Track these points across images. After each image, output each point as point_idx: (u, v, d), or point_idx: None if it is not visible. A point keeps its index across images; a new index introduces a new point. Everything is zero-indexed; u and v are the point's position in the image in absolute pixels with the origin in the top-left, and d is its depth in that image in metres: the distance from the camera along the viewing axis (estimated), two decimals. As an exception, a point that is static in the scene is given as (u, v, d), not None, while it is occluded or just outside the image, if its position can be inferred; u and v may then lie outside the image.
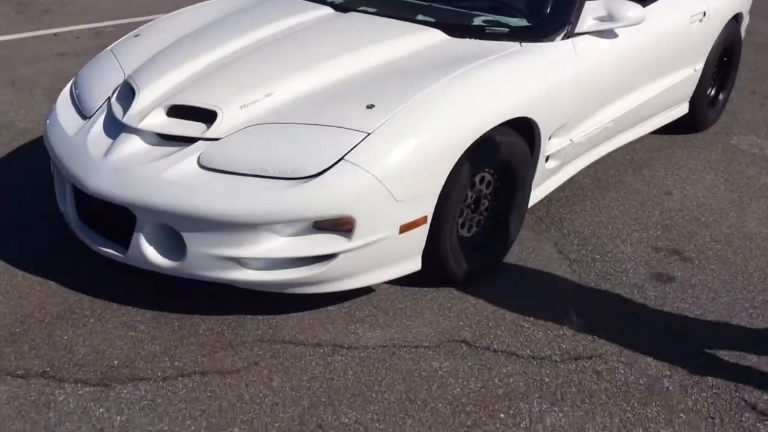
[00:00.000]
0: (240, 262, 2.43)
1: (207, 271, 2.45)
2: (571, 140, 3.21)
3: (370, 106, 2.50)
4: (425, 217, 2.54)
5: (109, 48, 3.26)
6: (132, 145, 2.54)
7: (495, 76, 2.73)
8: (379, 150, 2.39)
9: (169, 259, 2.48)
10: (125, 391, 2.24)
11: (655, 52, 3.63)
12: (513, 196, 2.93)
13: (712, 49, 4.19)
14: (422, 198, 2.50)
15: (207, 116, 2.55)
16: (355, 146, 2.38)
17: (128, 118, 2.59)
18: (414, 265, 2.64)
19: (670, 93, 3.95)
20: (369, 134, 2.41)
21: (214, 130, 2.50)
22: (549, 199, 3.55)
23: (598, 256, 3.09)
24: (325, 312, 2.66)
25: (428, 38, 2.97)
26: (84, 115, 2.81)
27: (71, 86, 3.09)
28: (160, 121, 2.58)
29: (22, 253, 2.94)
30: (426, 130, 2.48)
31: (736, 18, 4.46)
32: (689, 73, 4.07)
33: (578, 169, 3.46)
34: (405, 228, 2.50)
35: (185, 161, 2.44)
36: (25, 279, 2.79)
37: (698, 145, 4.34)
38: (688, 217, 3.47)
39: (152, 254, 2.48)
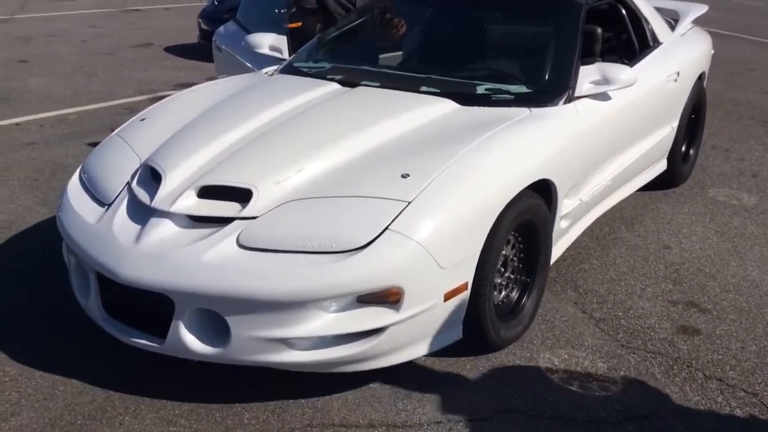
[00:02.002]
0: (287, 343, 2.35)
1: (252, 356, 2.37)
2: (580, 200, 3.29)
3: (405, 176, 2.52)
4: (467, 283, 2.54)
5: (115, 133, 3.20)
6: (164, 230, 2.47)
7: (516, 140, 2.80)
8: (421, 218, 2.39)
9: (212, 345, 2.38)
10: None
11: (642, 111, 3.79)
12: (537, 256, 2.96)
13: (684, 106, 4.41)
14: (463, 264, 2.50)
15: (241, 195, 2.51)
16: (397, 216, 2.38)
17: (158, 203, 2.53)
18: (456, 334, 2.61)
19: (653, 150, 4.11)
20: (409, 203, 2.41)
21: (251, 209, 2.46)
22: (556, 259, 3.60)
23: (620, 314, 3.13)
24: (369, 390, 2.59)
25: (441, 108, 3.03)
26: (102, 202, 2.73)
27: (80, 173, 3.00)
28: (192, 203, 2.52)
29: (36, 351, 2.78)
30: (463, 196, 2.50)
31: (701, 77, 4.72)
32: (668, 131, 4.25)
33: (583, 228, 3.53)
34: (449, 295, 2.48)
35: (224, 242, 2.39)
36: (44, 379, 2.63)
37: (679, 200, 4.50)
38: (692, 269, 3.56)
39: (193, 342, 2.39)
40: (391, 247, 2.32)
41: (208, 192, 2.55)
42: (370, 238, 2.32)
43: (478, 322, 2.64)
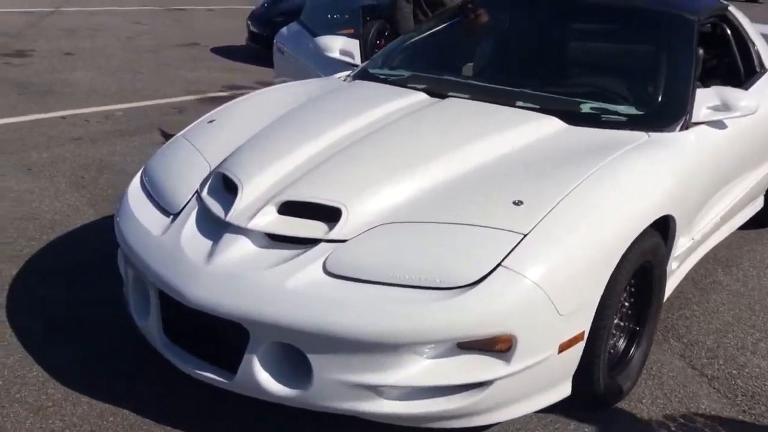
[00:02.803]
0: (377, 391, 2.02)
1: (335, 402, 2.04)
2: (692, 238, 2.93)
3: (518, 203, 2.18)
4: (583, 333, 2.19)
5: (180, 135, 2.90)
6: (240, 248, 2.15)
7: (641, 169, 2.46)
8: (539, 255, 2.05)
9: (289, 386, 2.06)
10: None
11: (752, 143, 3.43)
12: (648, 302, 2.60)
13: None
14: (582, 310, 2.15)
15: (327, 214, 2.19)
16: (512, 250, 2.04)
17: (234, 217, 2.21)
18: (565, 390, 2.26)
19: (756, 186, 3.73)
20: (525, 235, 2.07)
21: (339, 231, 2.14)
22: (653, 302, 3.23)
23: (735, 372, 2.75)
24: (459, 446, 2.24)
25: (547, 126, 2.69)
26: (167, 211, 2.42)
27: (141, 177, 2.70)
28: (272, 220, 2.20)
29: (84, 372, 2.48)
30: (585, 231, 2.16)
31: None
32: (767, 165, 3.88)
33: (687, 270, 3.16)
34: (565, 346, 2.13)
35: (309, 267, 2.06)
36: (92, 407, 2.32)
37: (774, 241, 4.11)
38: (805, 321, 3.18)
39: (267, 381, 2.06)
40: (505, 286, 1.98)
41: (289, 208, 2.23)
42: (481, 275, 1.99)
43: (590, 376, 2.29)
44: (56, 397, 2.36)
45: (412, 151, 2.44)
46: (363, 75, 3.41)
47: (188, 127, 2.96)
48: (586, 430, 2.36)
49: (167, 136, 5.38)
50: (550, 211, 2.15)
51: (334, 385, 2.01)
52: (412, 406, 2.04)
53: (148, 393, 2.39)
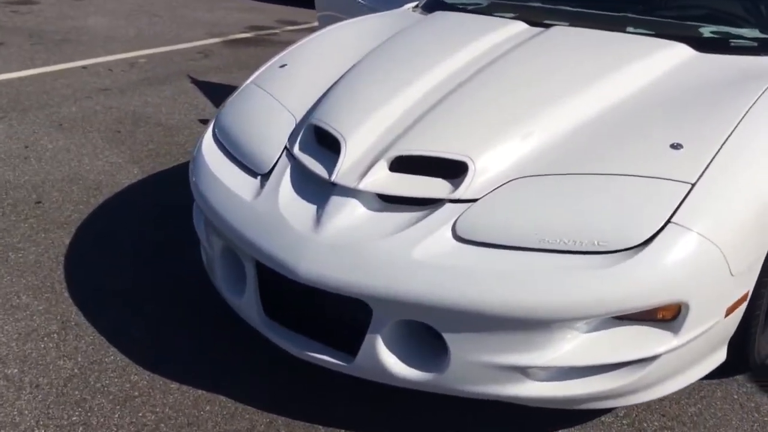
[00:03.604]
0: (524, 372, 1.75)
1: (475, 386, 1.78)
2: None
3: (676, 146, 1.86)
4: (747, 293, 1.90)
5: (251, 81, 2.56)
6: (352, 213, 1.86)
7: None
8: (711, 207, 1.75)
9: (419, 369, 1.79)
10: None
11: None
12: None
13: None
14: (751, 269, 1.86)
15: (450, 170, 1.88)
16: (681, 203, 1.73)
17: (341, 177, 1.90)
18: (721, 356, 1.99)
19: None
20: (693, 185, 1.77)
21: (467, 188, 1.83)
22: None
23: None
24: (600, 424, 1.99)
25: (677, 54, 2.34)
26: (254, 171, 2.12)
27: (213, 131, 2.39)
28: (386, 179, 1.89)
29: (168, 355, 2.22)
30: (755, 177, 1.85)
31: None
32: None
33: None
34: (730, 310, 1.85)
35: (437, 233, 1.77)
36: (184, 395, 2.06)
37: None
38: None
39: (394, 364, 1.79)
40: (678, 246, 1.68)
41: (402, 165, 1.92)
42: (649, 235, 1.69)
43: (746, 339, 2.02)
44: (141, 384, 2.11)
45: (535, 91, 2.11)
46: (435, 5, 3.04)
47: (257, 73, 2.62)
48: (734, 394, 2.10)
49: (198, 84, 5.03)
50: (716, 155, 1.84)
51: (474, 367, 1.74)
52: (563, 387, 1.77)
53: (246, 376, 2.14)
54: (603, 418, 2.00)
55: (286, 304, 1.97)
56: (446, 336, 1.73)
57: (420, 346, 1.81)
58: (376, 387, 2.07)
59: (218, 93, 4.83)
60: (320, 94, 2.32)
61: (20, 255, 2.76)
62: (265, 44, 6.31)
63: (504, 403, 1.91)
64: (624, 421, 2.01)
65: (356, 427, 1.95)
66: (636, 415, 2.03)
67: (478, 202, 1.82)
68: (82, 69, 5.33)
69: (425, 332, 1.80)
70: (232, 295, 2.08)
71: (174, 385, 2.10)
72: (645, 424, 2.00)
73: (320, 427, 1.95)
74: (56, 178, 3.43)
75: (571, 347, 1.73)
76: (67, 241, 2.87)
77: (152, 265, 2.70)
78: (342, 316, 1.85)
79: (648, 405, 2.06)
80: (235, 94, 2.54)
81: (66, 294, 2.52)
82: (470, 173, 1.85)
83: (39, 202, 3.18)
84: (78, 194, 3.28)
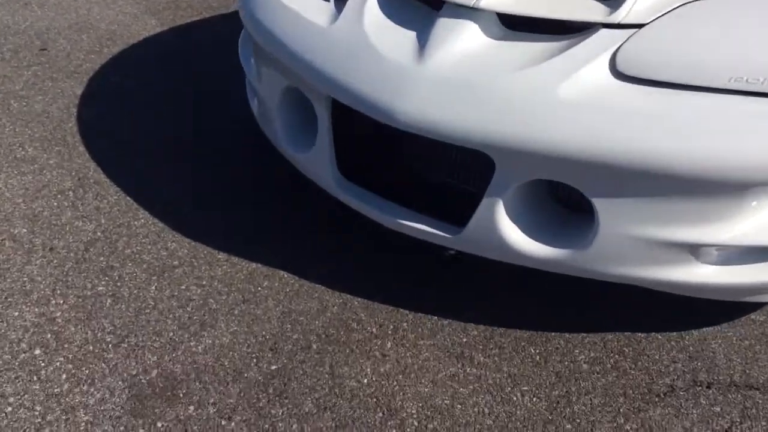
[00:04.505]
0: (693, 252, 1.36)
1: (624, 268, 1.39)
2: None
3: None
4: None
5: None
6: (468, 40, 1.41)
7: None
8: None
9: (552, 245, 1.39)
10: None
11: None
12: None
13: None
14: None
15: (599, -12, 1.42)
16: None
17: (455, -9, 1.44)
18: None
19: None
20: None
21: (628, 11, 1.38)
22: None
23: None
24: (752, 322, 1.63)
25: None
26: (328, -10, 1.65)
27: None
28: (515, -4, 1.44)
29: (209, 221, 1.82)
30: None
31: None
32: None
33: None
34: None
35: (589, 66, 1.33)
36: (236, 269, 1.67)
37: None
38: None
39: (519, 238, 1.39)
40: None
41: (533, -21, 1.46)
42: None
43: None
44: (181, 254, 1.71)
45: None
46: None
47: None
48: None
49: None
50: None
51: (630, 242, 1.35)
52: (738, 273, 1.38)
53: (309, 249, 1.74)
54: (753, 316, 1.63)
55: (368, 160, 1.55)
56: (596, 202, 1.32)
57: (554, 216, 1.41)
58: (476, 270, 1.68)
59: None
60: None
61: (24, 104, 2.32)
62: None
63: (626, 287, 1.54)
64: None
65: (448, 314, 1.58)
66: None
67: (645, 27, 1.37)
68: None
69: (554, 201, 1.39)
70: (295, 149, 1.66)
71: (221, 256, 1.71)
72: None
73: (407, 312, 1.58)
74: (62, 26, 2.93)
75: (759, 222, 1.33)
76: (79, 92, 2.42)
77: (181, 120, 2.27)
78: (450, 173, 1.44)
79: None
80: None
81: (81, 148, 2.10)
82: (630, -7, 1.39)
83: (44, 49, 2.71)
84: (89, 43, 2.80)
